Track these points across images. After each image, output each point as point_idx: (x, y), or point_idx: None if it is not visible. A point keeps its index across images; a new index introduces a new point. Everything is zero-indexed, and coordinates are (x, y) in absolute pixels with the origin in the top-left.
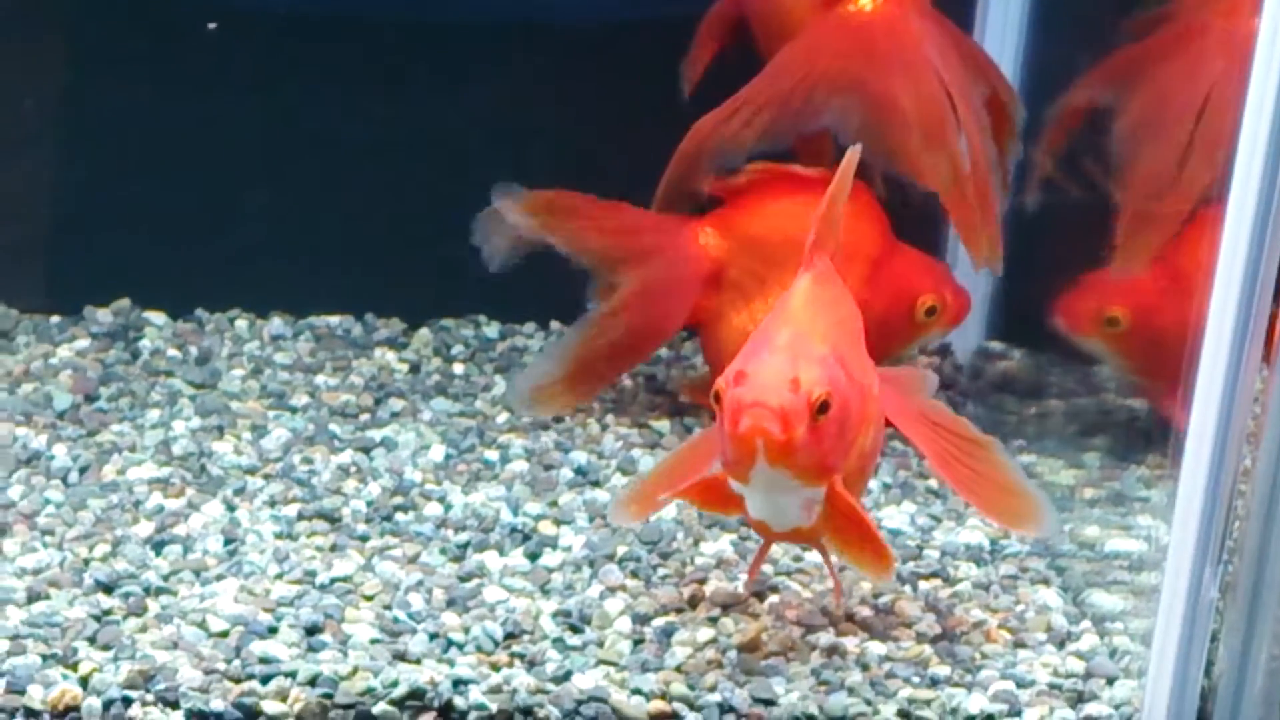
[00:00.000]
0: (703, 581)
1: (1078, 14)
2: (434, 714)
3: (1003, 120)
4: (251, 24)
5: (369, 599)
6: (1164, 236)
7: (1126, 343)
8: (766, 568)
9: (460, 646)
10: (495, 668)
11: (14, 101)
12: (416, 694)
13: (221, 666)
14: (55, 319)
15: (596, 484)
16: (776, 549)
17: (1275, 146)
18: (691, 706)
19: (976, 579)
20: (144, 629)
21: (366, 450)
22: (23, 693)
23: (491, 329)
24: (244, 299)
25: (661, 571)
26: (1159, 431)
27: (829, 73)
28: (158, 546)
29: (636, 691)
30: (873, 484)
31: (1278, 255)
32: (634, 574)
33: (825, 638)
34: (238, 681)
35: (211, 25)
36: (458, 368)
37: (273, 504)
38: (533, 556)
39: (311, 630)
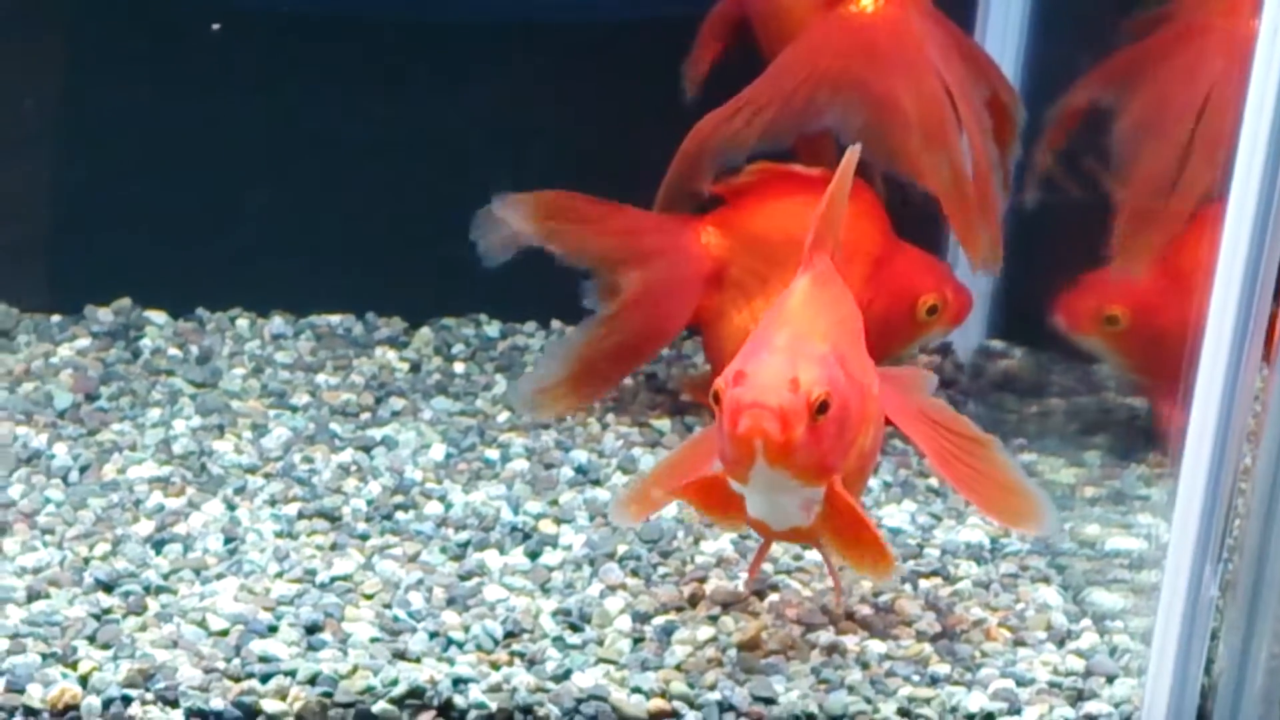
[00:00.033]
0: (703, 580)
1: (1078, 15)
2: (433, 712)
3: (1004, 121)
4: (252, 24)
5: (369, 598)
6: (1165, 237)
7: (1126, 341)
8: (767, 566)
9: (460, 645)
10: (495, 666)
11: (14, 102)
12: (416, 692)
13: (221, 665)
14: (56, 318)
15: (597, 483)
16: (777, 548)
17: (1276, 146)
18: (691, 705)
19: (977, 577)
20: (144, 628)
21: (367, 449)
22: (22, 691)
23: (492, 328)
24: (245, 298)
25: (662, 570)
26: (1158, 430)
27: (831, 73)
28: (158, 545)
29: (636, 690)
30: (873, 482)
31: (1278, 254)
32: (634, 572)
33: (825, 636)
34: (237, 680)
35: (215, 26)
36: (458, 367)
37: (273, 503)
38: (533, 555)
39: (311, 629)
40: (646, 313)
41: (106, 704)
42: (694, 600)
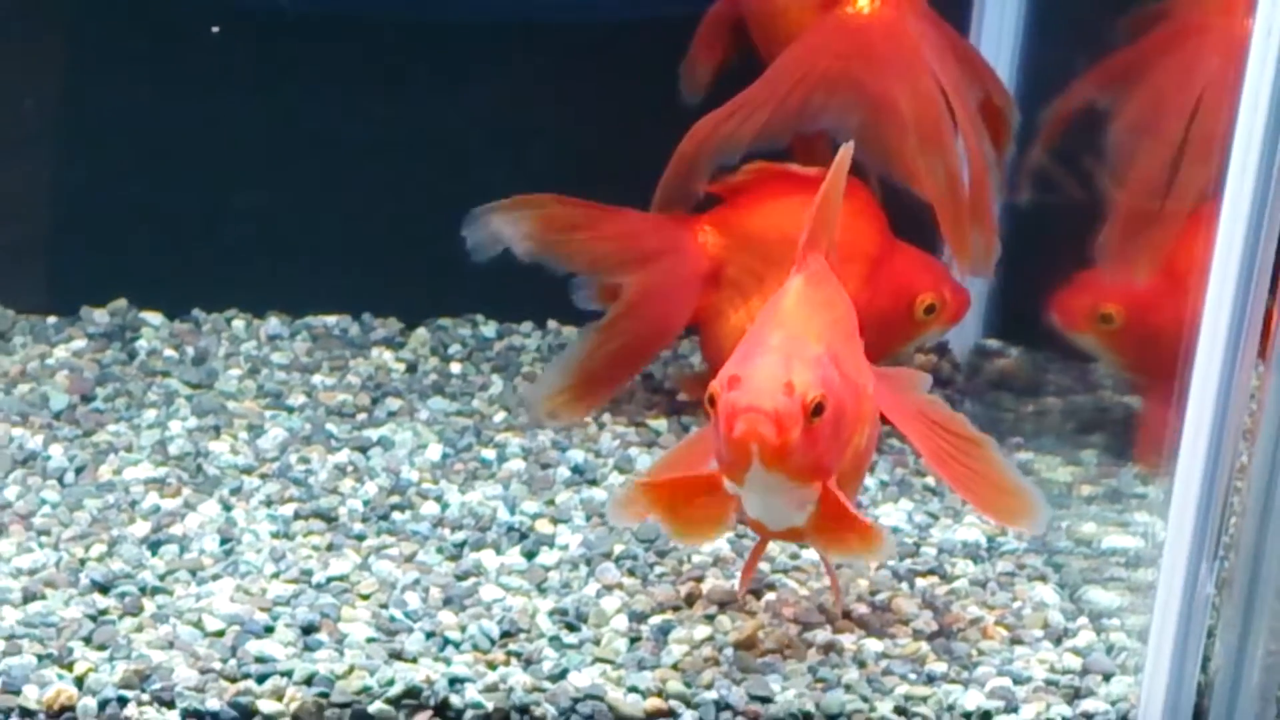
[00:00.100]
0: (699, 579)
1: (1073, 16)
2: (430, 712)
3: (998, 124)
4: (250, 24)
5: (365, 598)
6: (1163, 239)
7: (1121, 340)
8: (763, 565)
9: (457, 645)
10: (492, 666)
11: (14, 101)
12: (413, 693)
13: (217, 666)
14: (52, 319)
15: (593, 482)
16: (773, 547)
17: (1270, 143)
18: (688, 704)
19: (973, 576)
20: (140, 629)
21: (363, 449)
22: (18, 693)
23: (489, 328)
24: (241, 299)
25: (658, 569)
26: (1143, 430)
27: (827, 74)
28: (154, 546)
29: (633, 689)
30: (870, 481)
31: (1273, 252)
32: (631, 572)
33: (822, 635)
34: (234, 681)
35: (215, 29)
36: (455, 367)
37: (269, 503)
38: (529, 555)
39: (308, 629)
40: (648, 314)
41: (102, 705)
42: (691, 599)
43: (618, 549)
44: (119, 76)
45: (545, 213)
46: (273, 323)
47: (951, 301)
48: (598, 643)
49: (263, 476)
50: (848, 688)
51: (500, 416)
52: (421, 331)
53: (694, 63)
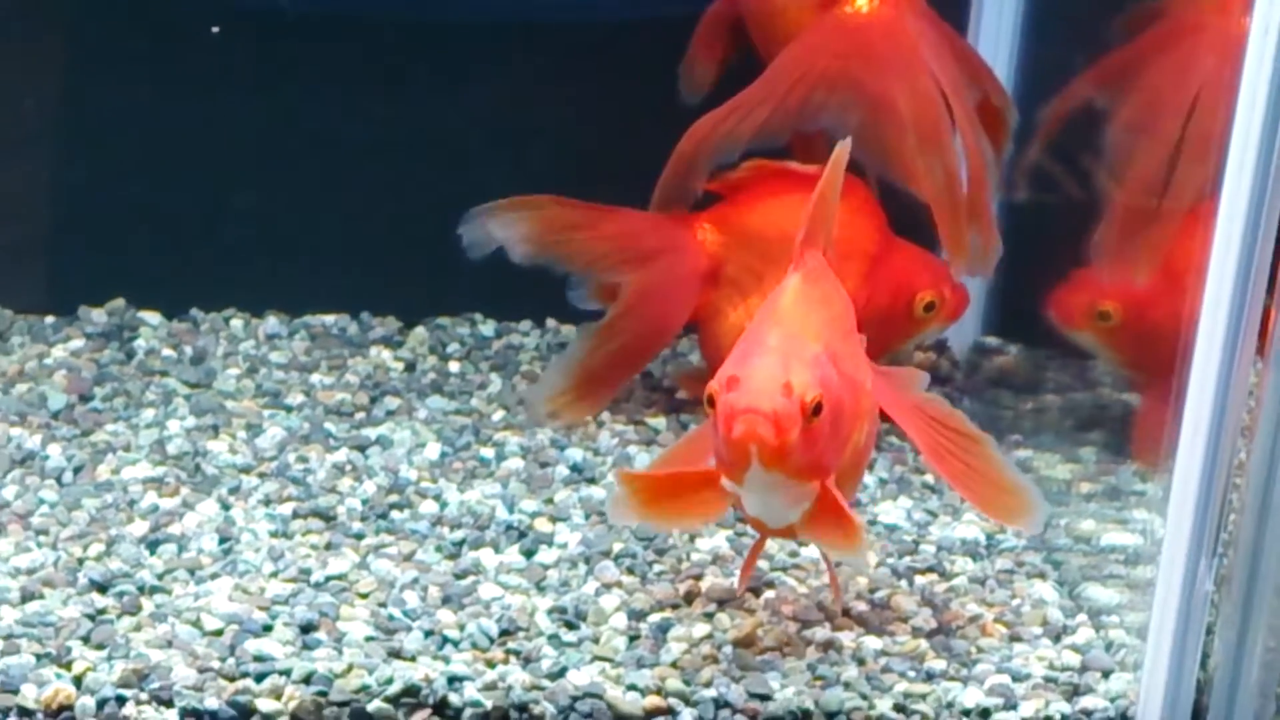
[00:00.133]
0: (698, 577)
1: (1071, 16)
2: (429, 711)
3: (996, 124)
4: (249, 23)
5: (364, 597)
6: (1164, 237)
7: (1118, 337)
8: (762, 563)
9: (455, 643)
10: (490, 664)
11: (12, 101)
12: (411, 691)
13: (216, 665)
14: (50, 319)
15: (592, 481)
16: (772, 544)
17: (1268, 141)
18: (687, 702)
19: (972, 573)
20: (138, 628)
21: (362, 448)
22: (16, 692)
23: (487, 327)
24: (239, 298)
25: (657, 568)
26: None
27: (826, 74)
28: (152, 546)
29: (632, 688)
30: (869, 479)
31: (1271, 248)
32: (630, 570)
33: (821, 633)
34: (232, 680)
35: (215, 29)
36: (453, 366)
37: (267, 502)
38: (528, 553)
39: (306, 628)
40: (648, 313)
41: (101, 704)
42: (690, 597)
43: (617, 547)
44: (117, 76)
45: (543, 214)
46: (271, 322)
47: (951, 299)
48: (597, 641)
49: (261, 475)
50: (847, 685)
51: (499, 415)
52: (420, 330)
53: (693, 62)
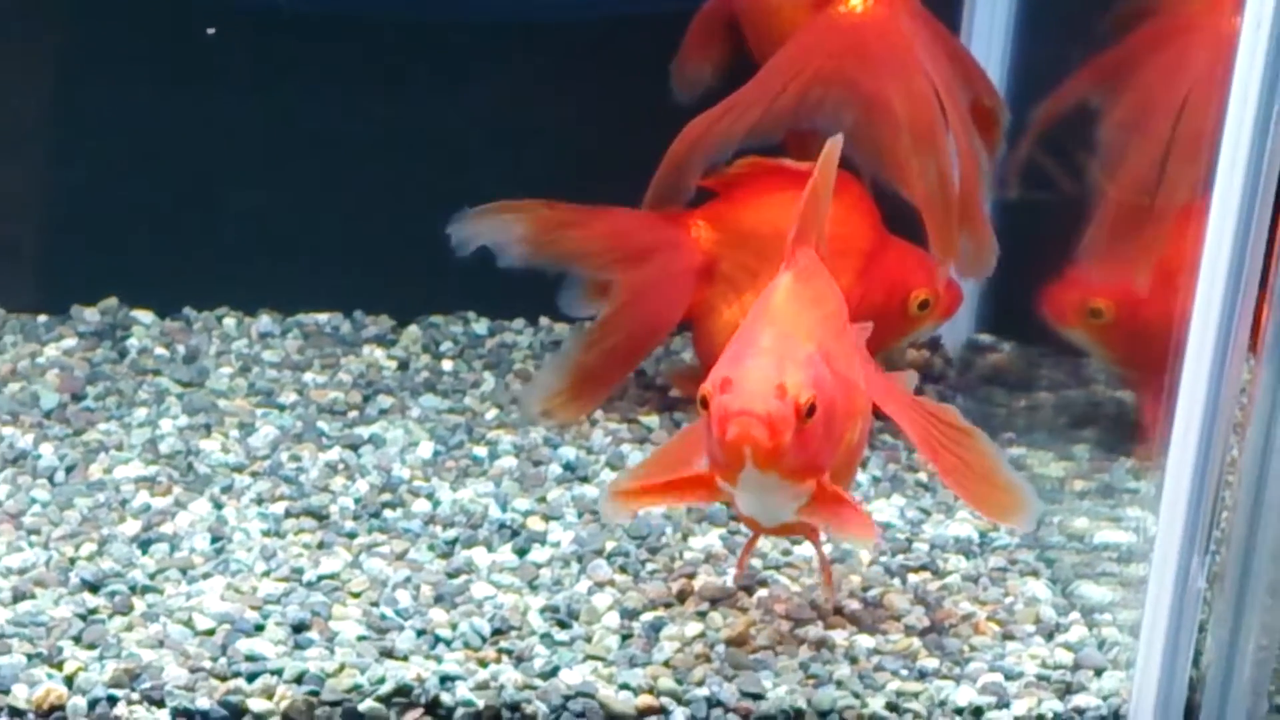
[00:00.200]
0: (691, 576)
1: (1064, 15)
2: (421, 710)
3: (988, 124)
4: (248, 23)
5: (356, 596)
6: (1157, 235)
7: (1111, 334)
8: (755, 561)
9: (448, 643)
10: (483, 664)
11: (12, 101)
12: (403, 690)
13: (207, 665)
14: (42, 318)
15: (585, 479)
16: (765, 543)
17: (1259, 139)
18: (679, 701)
19: (965, 572)
20: (130, 628)
21: (354, 447)
22: (7, 692)
23: (480, 325)
24: (232, 297)
25: (650, 566)
26: (1142, 424)
27: (820, 73)
28: (144, 545)
29: (624, 686)
30: (862, 477)
31: (1262, 247)
32: (622, 569)
33: (814, 631)
34: (224, 679)
35: (210, 30)
36: (446, 364)
37: (260, 502)
38: (521, 552)
39: (298, 628)
40: (642, 311)
41: (92, 704)
42: (682, 596)
43: (609, 546)
44: (110, 75)
45: (536, 215)
46: (264, 320)
47: (945, 297)
48: (589, 640)
49: (254, 474)
50: (839, 684)
51: (492, 414)
52: (413, 329)
53: (685, 61)
